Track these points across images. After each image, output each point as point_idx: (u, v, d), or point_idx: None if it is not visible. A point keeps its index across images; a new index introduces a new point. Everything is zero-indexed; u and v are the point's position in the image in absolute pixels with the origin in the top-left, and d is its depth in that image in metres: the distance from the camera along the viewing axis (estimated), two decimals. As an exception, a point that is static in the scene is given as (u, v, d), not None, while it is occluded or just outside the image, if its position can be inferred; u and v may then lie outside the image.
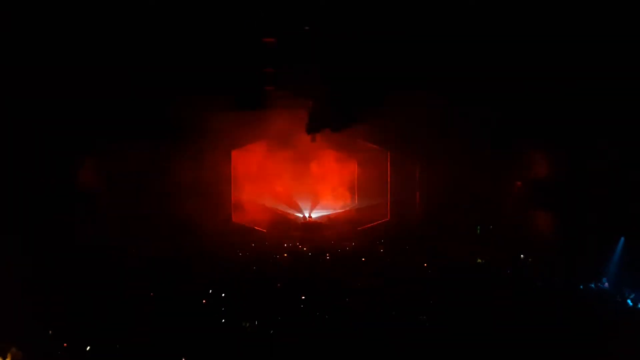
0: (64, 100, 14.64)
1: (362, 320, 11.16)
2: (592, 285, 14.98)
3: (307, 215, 24.21)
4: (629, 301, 13.84)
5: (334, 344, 10.07)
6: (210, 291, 13.09)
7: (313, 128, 19.32)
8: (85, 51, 13.64)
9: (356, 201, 24.83)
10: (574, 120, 14.72)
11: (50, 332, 9.91)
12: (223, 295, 12.81)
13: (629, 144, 13.87)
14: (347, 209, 24.80)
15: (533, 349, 9.92)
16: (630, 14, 11.52)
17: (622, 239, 15.39)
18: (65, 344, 9.50)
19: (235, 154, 22.75)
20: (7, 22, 11.68)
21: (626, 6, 11.45)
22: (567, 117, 14.83)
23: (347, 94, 17.73)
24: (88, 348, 9.45)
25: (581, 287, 14.74)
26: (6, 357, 8.32)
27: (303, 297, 12.84)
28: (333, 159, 24.21)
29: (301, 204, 24.54)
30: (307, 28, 13.70)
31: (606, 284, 14.90)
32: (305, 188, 24.50)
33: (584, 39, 12.45)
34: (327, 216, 24.57)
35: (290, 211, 24.52)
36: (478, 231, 19.46)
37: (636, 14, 11.37)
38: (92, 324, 10.47)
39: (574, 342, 10.18)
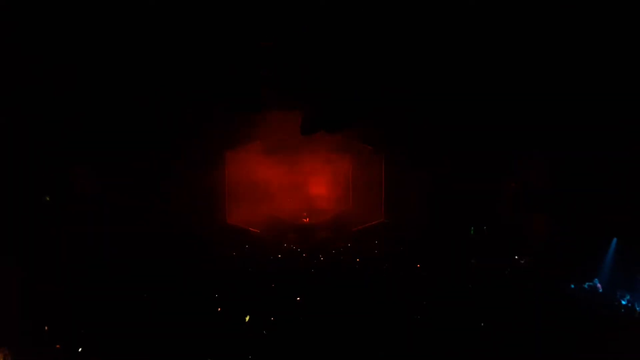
0: (57, 103, 14.59)
1: (356, 320, 11.16)
2: (586, 286, 15.08)
3: (304, 216, 24.22)
4: (622, 302, 13.94)
5: (329, 344, 10.08)
6: (204, 291, 13.11)
7: (308, 130, 19.30)
8: (79, 53, 13.57)
9: (351, 202, 24.85)
10: (567, 122, 14.80)
11: (43, 333, 9.87)
12: (216, 295, 12.81)
13: (623, 145, 13.96)
14: (342, 210, 24.81)
15: (528, 350, 9.97)
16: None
17: (615, 240, 15.49)
18: (58, 345, 9.46)
19: (230, 155, 22.72)
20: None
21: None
22: (561, 119, 14.92)
23: (342, 96, 17.73)
24: (80, 349, 9.41)
25: (573, 286, 14.84)
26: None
27: (298, 299, 12.85)
28: (328, 160, 24.22)
29: (296, 205, 24.52)
30: (304, 28, 13.67)
31: (598, 285, 14.99)
32: (299, 189, 24.54)
33: (577, 41, 12.54)
34: (322, 217, 24.57)
35: (286, 213, 24.50)
36: (472, 232, 19.51)
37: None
38: (87, 325, 10.44)
39: (568, 342, 10.24)
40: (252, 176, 23.15)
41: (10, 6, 11.09)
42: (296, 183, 24.42)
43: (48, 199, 14.27)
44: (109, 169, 16.48)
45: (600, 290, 14.86)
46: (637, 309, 13.53)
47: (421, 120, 18.68)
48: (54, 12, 11.72)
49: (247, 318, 11.04)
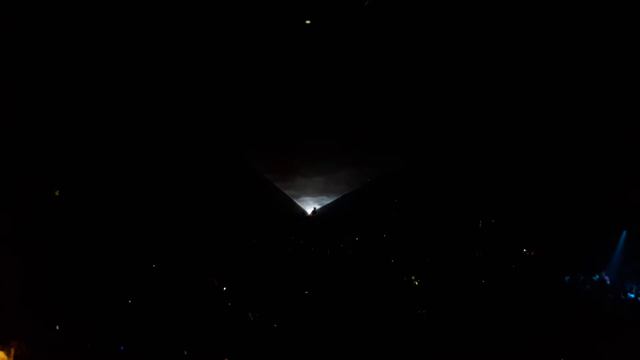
0: (68, 101, 14.76)
1: (364, 313, 11.20)
2: (595, 278, 15.01)
3: (312, 210, 24.27)
4: (630, 294, 13.88)
5: (335, 337, 10.13)
6: (213, 285, 13.21)
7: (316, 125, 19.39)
8: (80, 52, 13.70)
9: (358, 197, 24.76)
10: (574, 112, 14.74)
11: (55, 327, 9.98)
12: (224, 289, 12.91)
13: (631, 135, 13.89)
14: (349, 204, 24.73)
15: (536, 343, 9.96)
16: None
17: (625, 232, 15.41)
18: (69, 339, 9.58)
19: (236, 149, 22.72)
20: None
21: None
22: (567, 110, 14.86)
23: (350, 90, 17.77)
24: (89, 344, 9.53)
25: (582, 278, 14.78)
26: (10, 352, 8.40)
27: (306, 292, 12.92)
28: (335, 155, 24.11)
29: (303, 199, 24.55)
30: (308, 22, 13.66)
31: (606, 278, 14.93)
32: (307, 183, 24.51)
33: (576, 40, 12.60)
34: (329, 212, 24.57)
35: (293, 206, 24.52)
36: (480, 225, 19.44)
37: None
38: (96, 319, 10.55)
39: (577, 335, 10.23)
40: (259, 170, 23.14)
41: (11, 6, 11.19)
42: (304, 177, 24.37)
43: (57, 193, 14.41)
44: (116, 165, 16.60)
45: (609, 283, 14.79)
46: None
47: (429, 113, 18.62)
48: (55, 12, 11.82)
49: (252, 316, 11.12)
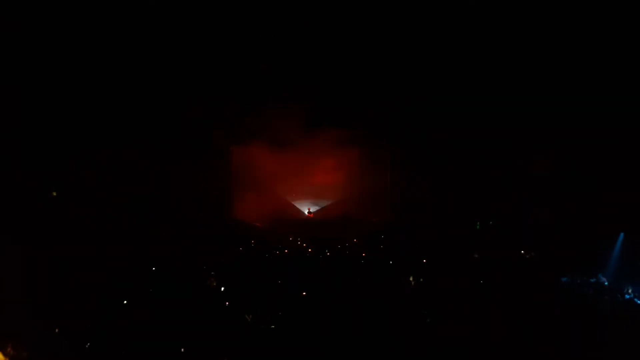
0: (60, 101, 14.73)
1: (362, 315, 11.19)
2: (592, 280, 15.04)
3: (307, 211, 24.27)
4: (627, 296, 13.91)
5: (334, 339, 10.12)
6: (211, 286, 13.19)
7: (312, 125, 19.38)
8: (82, 51, 13.68)
9: (356, 197, 24.83)
10: (572, 116, 14.78)
11: (52, 330, 9.95)
12: (222, 289, 12.88)
13: (628, 139, 13.93)
14: (348, 204, 24.80)
15: (534, 344, 9.97)
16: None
17: (622, 234, 15.45)
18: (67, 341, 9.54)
19: (235, 150, 22.77)
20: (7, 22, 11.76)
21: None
22: (565, 114, 14.89)
23: (347, 91, 17.78)
24: (87, 345, 9.49)
25: (580, 280, 14.81)
26: (7, 352, 8.36)
27: (304, 294, 12.89)
28: (333, 155, 24.18)
29: (301, 201, 24.57)
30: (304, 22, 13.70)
31: (603, 279, 14.98)
32: (304, 185, 24.54)
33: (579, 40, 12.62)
34: (327, 212, 24.59)
35: (291, 208, 24.54)
36: (477, 227, 19.46)
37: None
38: (93, 321, 10.52)
39: (574, 336, 10.24)
40: (257, 171, 23.16)
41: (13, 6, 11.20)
42: (301, 178, 24.39)
43: (55, 194, 14.45)
44: (115, 166, 16.56)
45: (606, 284, 14.84)
46: (638, 302, 13.56)
47: (426, 116, 18.66)
48: (59, 11, 11.83)
49: (249, 317, 11.11)
